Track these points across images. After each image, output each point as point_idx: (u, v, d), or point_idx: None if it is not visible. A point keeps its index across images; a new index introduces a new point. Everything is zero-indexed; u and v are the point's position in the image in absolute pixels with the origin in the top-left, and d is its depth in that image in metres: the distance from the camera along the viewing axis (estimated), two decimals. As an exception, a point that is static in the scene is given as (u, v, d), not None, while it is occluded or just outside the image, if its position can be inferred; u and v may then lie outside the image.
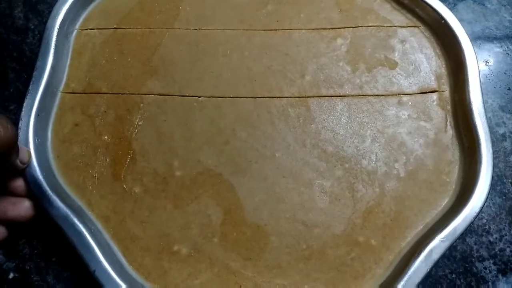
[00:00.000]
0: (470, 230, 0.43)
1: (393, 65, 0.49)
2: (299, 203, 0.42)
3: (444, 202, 0.42)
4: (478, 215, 0.40)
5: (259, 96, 0.46)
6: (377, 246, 0.40)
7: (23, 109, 0.42)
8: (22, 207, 0.39)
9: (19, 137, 0.41)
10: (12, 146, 0.36)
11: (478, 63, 0.47)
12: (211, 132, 0.44)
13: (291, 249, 0.40)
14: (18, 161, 0.38)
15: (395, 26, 0.51)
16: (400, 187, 0.43)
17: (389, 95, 0.47)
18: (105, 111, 0.45)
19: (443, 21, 0.49)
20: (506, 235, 0.43)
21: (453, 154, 0.44)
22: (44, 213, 0.39)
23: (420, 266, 0.37)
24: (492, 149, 0.42)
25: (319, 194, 0.42)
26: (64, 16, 0.47)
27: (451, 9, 0.50)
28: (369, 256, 0.40)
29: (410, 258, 0.38)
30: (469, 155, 0.44)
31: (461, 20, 0.49)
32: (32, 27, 0.51)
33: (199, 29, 0.49)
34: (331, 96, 0.47)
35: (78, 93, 0.46)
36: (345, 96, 0.47)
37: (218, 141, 0.44)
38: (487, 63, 0.52)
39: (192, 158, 0.43)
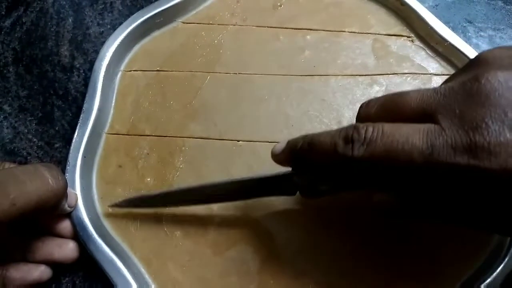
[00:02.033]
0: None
1: (428, 114, 0.49)
2: (337, 253, 0.42)
3: (479, 261, 0.42)
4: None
5: (296, 141, 0.47)
6: (413, 301, 0.41)
7: (71, 152, 0.44)
8: (68, 249, 0.40)
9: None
10: (62, 196, 0.37)
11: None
12: (249, 177, 0.45)
13: (327, 301, 0.41)
14: (66, 206, 0.40)
15: (430, 73, 0.52)
16: (435, 245, 0.43)
17: (423, 145, 0.47)
18: (148, 153, 0.46)
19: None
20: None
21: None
22: (88, 254, 0.40)
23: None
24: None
25: (357, 246, 0.43)
26: (110, 58, 0.49)
27: (485, 58, 0.50)
28: (404, 311, 0.40)
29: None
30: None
31: (495, 70, 0.49)
32: (78, 65, 0.52)
33: (239, 73, 0.51)
34: (367, 144, 0.47)
35: (122, 134, 0.47)
36: (380, 144, 0.47)
37: (255, 186, 0.45)
38: (521, 113, 0.52)
39: (231, 203, 0.44)
